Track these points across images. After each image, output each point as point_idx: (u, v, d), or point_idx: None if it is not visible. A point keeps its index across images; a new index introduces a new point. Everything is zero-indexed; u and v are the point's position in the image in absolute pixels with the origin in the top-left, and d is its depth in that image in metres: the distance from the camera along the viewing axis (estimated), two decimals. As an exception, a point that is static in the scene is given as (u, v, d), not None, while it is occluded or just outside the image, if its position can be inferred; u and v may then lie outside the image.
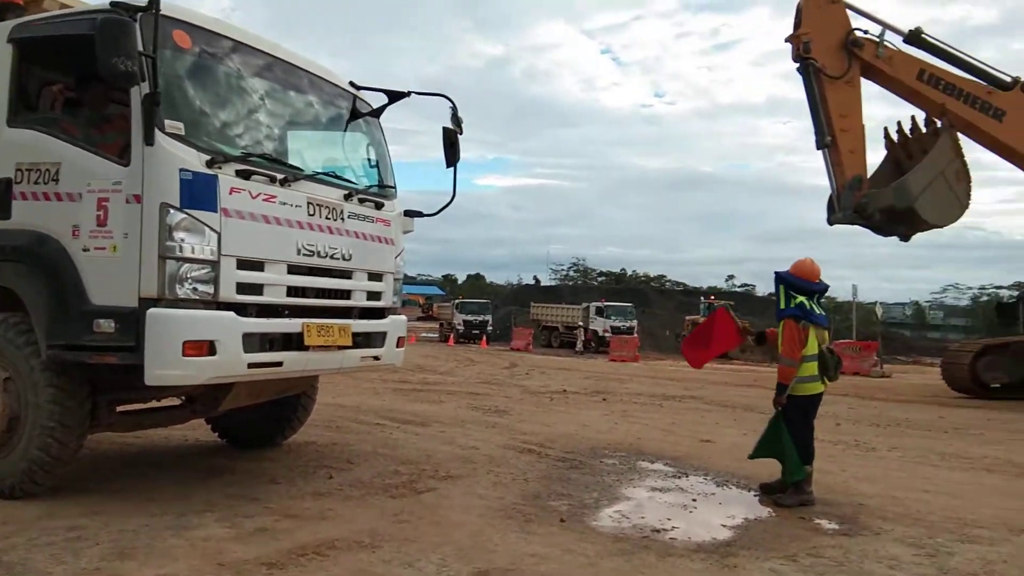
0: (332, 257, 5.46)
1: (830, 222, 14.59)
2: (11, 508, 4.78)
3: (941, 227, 14.36)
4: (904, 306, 66.79)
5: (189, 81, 4.92)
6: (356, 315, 5.82)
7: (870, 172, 14.91)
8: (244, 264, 4.86)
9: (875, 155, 15.43)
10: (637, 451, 7.98)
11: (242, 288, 4.85)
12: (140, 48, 4.44)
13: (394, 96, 6.38)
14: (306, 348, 5.21)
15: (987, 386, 15.49)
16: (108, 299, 4.65)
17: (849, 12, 14.47)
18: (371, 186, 6.14)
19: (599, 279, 77.64)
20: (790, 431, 5.92)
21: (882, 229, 14.53)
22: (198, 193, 4.63)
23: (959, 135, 14.36)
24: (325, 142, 6.22)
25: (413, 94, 6.34)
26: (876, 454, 8.35)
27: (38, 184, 4.92)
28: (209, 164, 4.69)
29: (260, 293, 4.99)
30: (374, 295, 5.98)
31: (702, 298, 46.47)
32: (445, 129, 6.29)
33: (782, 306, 6.03)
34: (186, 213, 4.57)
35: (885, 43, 14.22)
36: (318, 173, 5.61)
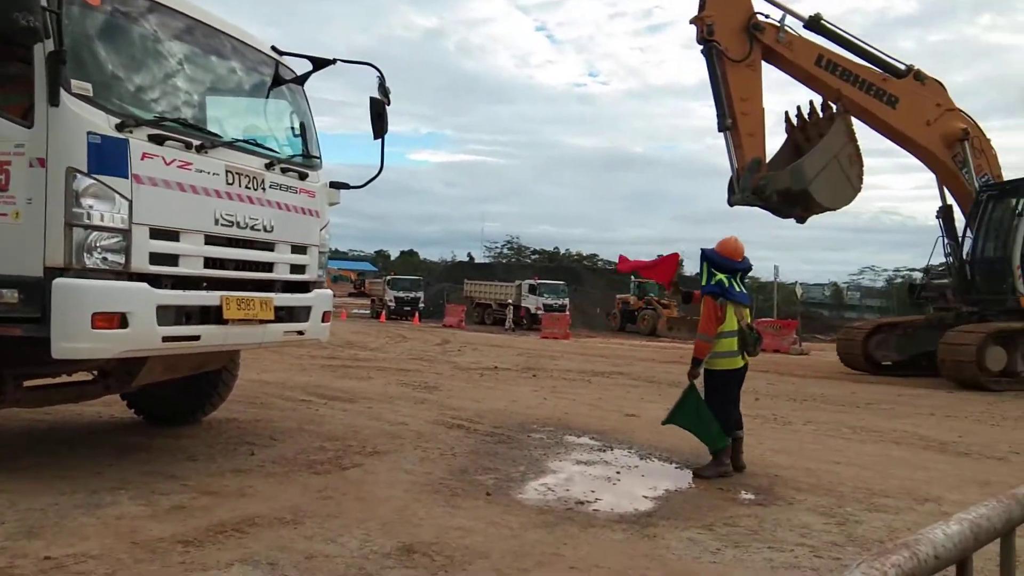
0: (253, 228, 5.29)
1: (730, 203, 14.93)
2: (-96, 489, 4.51)
3: (835, 209, 14.81)
4: (823, 287, 69.47)
5: (99, 40, 4.67)
6: (279, 288, 5.67)
7: (772, 154, 15.34)
8: (157, 233, 4.67)
9: (779, 139, 15.82)
10: (564, 426, 8.07)
11: (156, 258, 4.66)
12: (43, 3, 4.18)
13: (319, 63, 6.19)
14: (225, 322, 5.05)
15: (878, 363, 16.32)
16: (11, 268, 4.40)
17: None
18: (294, 156, 5.96)
19: (533, 257, 78.12)
20: (711, 404, 6.09)
21: (780, 211, 14.92)
22: (107, 158, 4.41)
23: (854, 120, 14.84)
24: (246, 109, 6.00)
25: (339, 62, 6.18)
26: (791, 428, 8.66)
27: (-67, 146, 4.59)
28: (119, 128, 4.47)
29: (175, 264, 4.81)
30: (298, 268, 5.83)
31: (632, 277, 47.25)
32: (372, 99, 6.14)
33: (703, 283, 6.19)
34: (94, 179, 4.35)
35: (786, 28, 14.56)
36: (237, 140, 5.41)
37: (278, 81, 6.02)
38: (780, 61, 14.73)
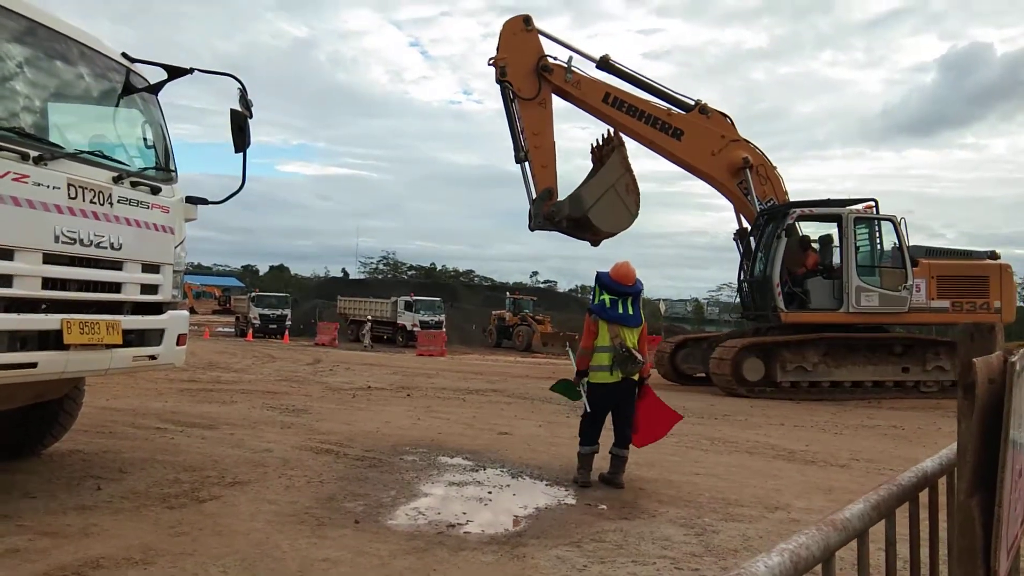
0: (98, 246, 4.93)
1: (531, 228, 15.99)
2: None
3: (614, 234, 16.03)
4: (686, 302, 72.91)
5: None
6: (128, 310, 5.31)
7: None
8: (-12, 252, 4.26)
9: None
10: (438, 446, 8.00)
11: (-15, 279, 4.25)
12: None
13: (175, 72, 5.88)
14: (66, 347, 4.67)
15: (688, 375, 17.46)
16: None
17: (545, 39, 15.91)
18: (146, 169, 5.63)
19: (409, 273, 77.57)
20: (583, 414, 6.58)
21: (574, 235, 16.06)
22: None
23: (648, 149, 16.27)
24: (93, 119, 5.60)
25: (197, 71, 5.89)
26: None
27: None
28: (-57, 136, 4.06)
29: (9, 285, 4.40)
30: (149, 288, 5.48)
31: (508, 293, 47.87)
32: (233, 112, 5.89)
33: (593, 302, 6.69)
34: None
35: (573, 69, 15.75)
36: (81, 152, 5.03)
37: (129, 89, 5.67)
38: (570, 98, 15.97)
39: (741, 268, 16.74)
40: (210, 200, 6.11)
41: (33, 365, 4.52)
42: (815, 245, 15.90)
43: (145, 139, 5.75)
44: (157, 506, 5.17)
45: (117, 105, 5.63)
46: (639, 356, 6.34)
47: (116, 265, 5.15)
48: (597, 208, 14.90)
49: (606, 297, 6.51)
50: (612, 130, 16.09)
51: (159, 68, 5.86)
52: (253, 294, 41.22)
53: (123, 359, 5.20)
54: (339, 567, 4.18)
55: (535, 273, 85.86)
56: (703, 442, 9.03)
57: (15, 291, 4.44)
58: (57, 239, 4.64)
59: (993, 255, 16.01)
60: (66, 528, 4.58)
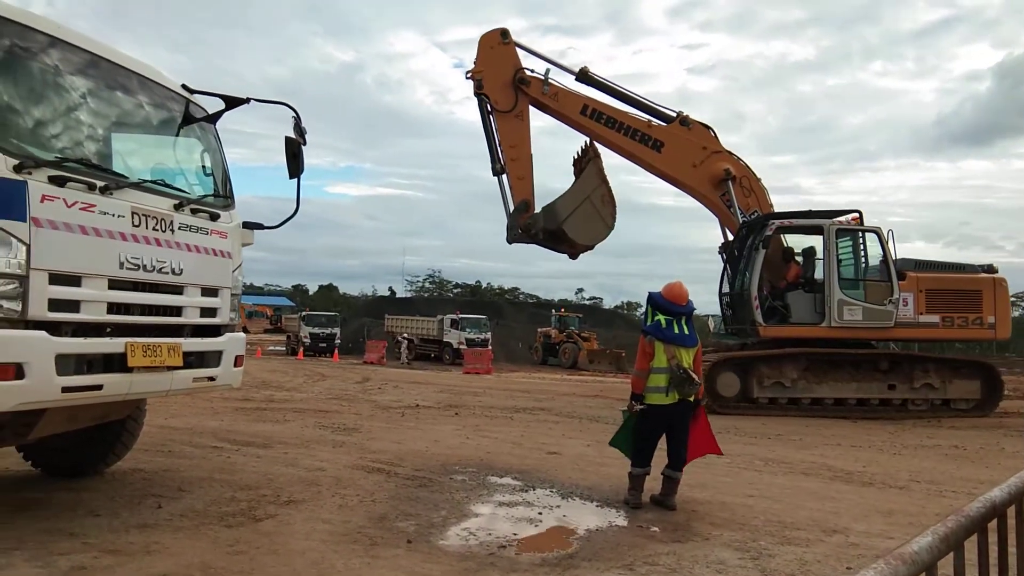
0: (160, 271, 5.11)
1: (508, 240, 15.85)
2: None
3: (590, 247, 15.80)
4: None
5: (-4, 77, 4.45)
6: (188, 333, 5.48)
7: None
8: (58, 279, 4.44)
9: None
10: (487, 466, 8.02)
11: (56, 305, 4.43)
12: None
13: (232, 102, 6.07)
14: (130, 370, 4.84)
15: None
16: None
17: (523, 52, 15.87)
18: (205, 196, 5.81)
19: (455, 291, 78.05)
20: (634, 430, 6.50)
21: (551, 247, 15.92)
22: (4, 201, 4.19)
23: (629, 161, 16.07)
24: (154, 148, 5.81)
25: (253, 101, 6.08)
26: (705, 461, 8.77)
27: None
28: (17, 169, 4.26)
29: (77, 310, 4.58)
30: (208, 311, 5.65)
31: (553, 311, 47.79)
32: (287, 139, 6.06)
33: (647, 323, 6.58)
34: None
35: (550, 81, 15.66)
36: (145, 181, 5.23)
37: (189, 119, 5.88)
38: (548, 111, 15.89)
39: (722, 281, 16.33)
40: (266, 225, 6.27)
41: (99, 387, 4.69)
42: (799, 258, 15.49)
43: (204, 167, 5.94)
44: (215, 524, 5.29)
45: (177, 134, 5.83)
46: (696, 377, 6.28)
47: (177, 290, 5.32)
48: (572, 220, 14.82)
49: (661, 318, 6.45)
50: (588, 141, 15.98)
51: (217, 98, 6.06)
52: (303, 313, 41.89)
53: (183, 381, 5.35)
54: (393, 587, 4.22)
55: (580, 290, 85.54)
56: (756, 463, 8.87)
57: (82, 316, 4.62)
58: (122, 265, 4.82)
59: (990, 269, 15.35)
60: (129, 546, 4.71)
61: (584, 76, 16.04)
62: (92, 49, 5.08)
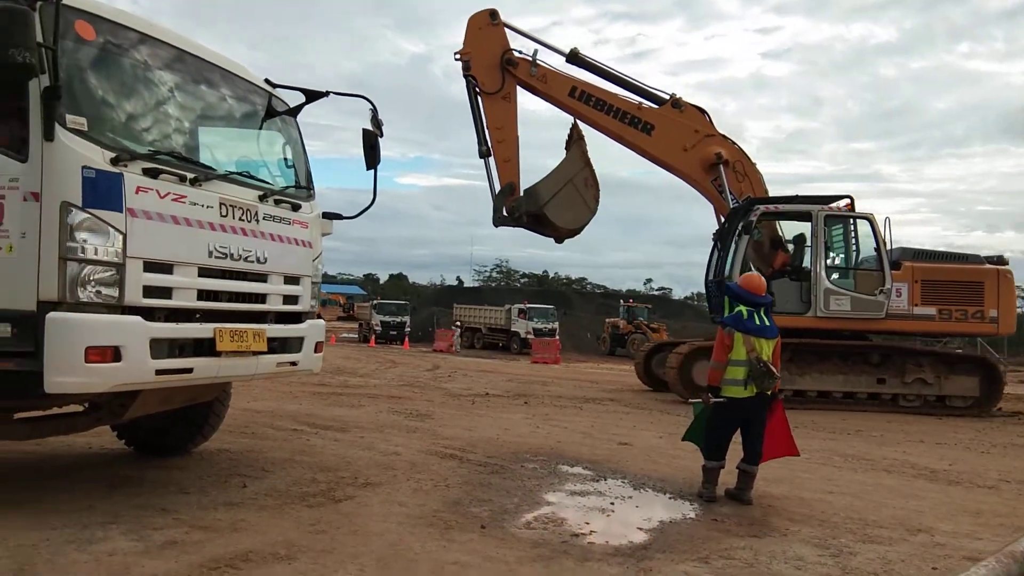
0: (246, 260, 5.29)
1: (494, 223, 15.57)
2: None
3: (573, 230, 15.39)
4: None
5: (93, 74, 4.69)
6: (272, 319, 5.66)
7: None
8: (151, 267, 4.66)
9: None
10: (557, 455, 8.05)
11: (149, 291, 4.65)
12: (39, 39, 4.20)
13: (312, 95, 6.23)
14: (218, 354, 5.04)
15: (661, 381, 16.51)
16: (3, 302, 4.37)
17: (512, 32, 15.49)
18: (287, 187, 5.99)
19: (522, 281, 78.21)
20: (708, 426, 6.38)
21: (536, 230, 15.53)
22: (102, 192, 4.41)
23: (618, 144, 15.64)
24: (239, 141, 6.02)
25: (332, 94, 6.22)
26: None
27: (-74, 179, 4.58)
28: (114, 162, 4.48)
29: (169, 297, 4.79)
30: (291, 299, 5.82)
31: (621, 301, 47.43)
32: (365, 131, 6.19)
33: (724, 314, 6.48)
34: (89, 213, 4.35)
35: (539, 62, 15.26)
36: (231, 173, 5.42)
37: (271, 113, 6.05)
38: (536, 92, 15.57)
39: (708, 268, 15.78)
40: (344, 215, 6.42)
41: (190, 370, 4.90)
42: (790, 245, 14.86)
43: (286, 159, 6.11)
44: (297, 504, 5.47)
45: (260, 127, 6.02)
46: (775, 371, 6.14)
47: (262, 277, 5.50)
48: (554, 203, 14.57)
49: (743, 308, 6.31)
50: (573, 122, 15.63)
51: (298, 92, 6.23)
52: (375, 302, 42.74)
53: (268, 365, 5.54)
54: (468, 571, 4.29)
55: (649, 280, 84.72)
56: (835, 458, 8.64)
57: (174, 302, 4.83)
58: (210, 254, 5.02)
59: (1000, 260, 14.38)
60: (217, 522, 4.91)
61: (574, 58, 15.75)
62: (180, 45, 5.28)
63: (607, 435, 9.70)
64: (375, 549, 4.56)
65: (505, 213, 15.03)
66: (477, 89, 15.15)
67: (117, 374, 4.45)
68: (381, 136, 6.27)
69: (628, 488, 6.66)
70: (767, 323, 6.30)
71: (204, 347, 4.99)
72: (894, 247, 14.43)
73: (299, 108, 6.27)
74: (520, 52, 15.28)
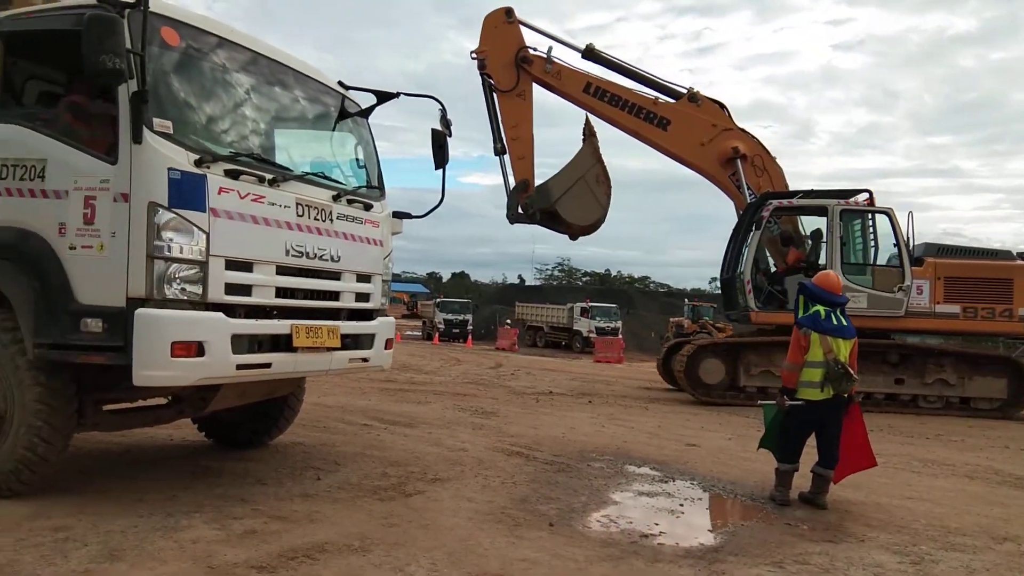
0: (321, 258, 5.43)
1: (509, 220, 15.40)
2: (-4, 508, 4.72)
3: (586, 227, 15.07)
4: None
5: (177, 79, 4.88)
6: (345, 316, 5.79)
7: None
8: (233, 265, 4.82)
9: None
10: (624, 454, 7.99)
11: (231, 289, 4.81)
12: (128, 45, 4.39)
13: (383, 97, 6.34)
14: (294, 350, 5.18)
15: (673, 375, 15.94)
16: (95, 298, 4.60)
17: (529, 31, 15.31)
18: (360, 187, 6.11)
19: (584, 279, 77.79)
20: (783, 428, 6.20)
21: (549, 227, 15.32)
22: (187, 193, 4.58)
23: (635, 140, 15.41)
24: (314, 142, 6.18)
25: (403, 95, 6.32)
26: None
27: (23, 180, 4.85)
28: (198, 163, 4.65)
29: (249, 294, 4.95)
30: (363, 296, 5.95)
31: (686, 300, 46.73)
32: (434, 131, 6.27)
33: (799, 315, 6.23)
34: (174, 213, 4.53)
35: (555, 59, 15.08)
36: (307, 174, 5.57)
37: (344, 114, 6.19)
38: (552, 89, 15.39)
39: (723, 265, 15.17)
40: (413, 214, 6.53)
41: (268, 365, 5.06)
42: (809, 241, 14.19)
43: (358, 159, 6.24)
44: (369, 497, 5.58)
45: (334, 129, 6.16)
46: (853, 372, 5.95)
47: (335, 276, 5.64)
48: (565, 199, 14.40)
49: (820, 308, 6.10)
50: (586, 118, 15.34)
51: (369, 93, 6.35)
52: (438, 300, 43.17)
53: (341, 361, 5.67)
54: (538, 568, 4.30)
55: (714, 279, 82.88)
56: (914, 463, 8.33)
57: (254, 299, 4.99)
58: (287, 252, 5.16)
59: None
60: (293, 513, 5.05)
61: (590, 54, 15.61)
62: (257, 49, 5.44)
63: (674, 436, 9.58)
64: (446, 543, 4.61)
65: (519, 210, 15.13)
66: (492, 87, 15.26)
67: (201, 368, 4.62)
68: (450, 136, 6.34)
69: (697, 490, 6.57)
70: (844, 323, 6.11)
71: (281, 343, 5.13)
72: (919, 242, 13.78)
73: (371, 109, 6.39)
74: (535, 50, 15.31)
